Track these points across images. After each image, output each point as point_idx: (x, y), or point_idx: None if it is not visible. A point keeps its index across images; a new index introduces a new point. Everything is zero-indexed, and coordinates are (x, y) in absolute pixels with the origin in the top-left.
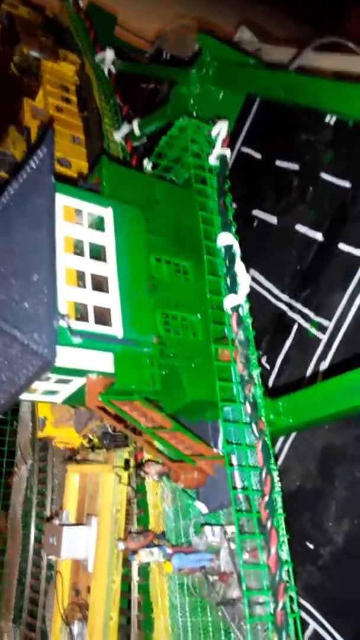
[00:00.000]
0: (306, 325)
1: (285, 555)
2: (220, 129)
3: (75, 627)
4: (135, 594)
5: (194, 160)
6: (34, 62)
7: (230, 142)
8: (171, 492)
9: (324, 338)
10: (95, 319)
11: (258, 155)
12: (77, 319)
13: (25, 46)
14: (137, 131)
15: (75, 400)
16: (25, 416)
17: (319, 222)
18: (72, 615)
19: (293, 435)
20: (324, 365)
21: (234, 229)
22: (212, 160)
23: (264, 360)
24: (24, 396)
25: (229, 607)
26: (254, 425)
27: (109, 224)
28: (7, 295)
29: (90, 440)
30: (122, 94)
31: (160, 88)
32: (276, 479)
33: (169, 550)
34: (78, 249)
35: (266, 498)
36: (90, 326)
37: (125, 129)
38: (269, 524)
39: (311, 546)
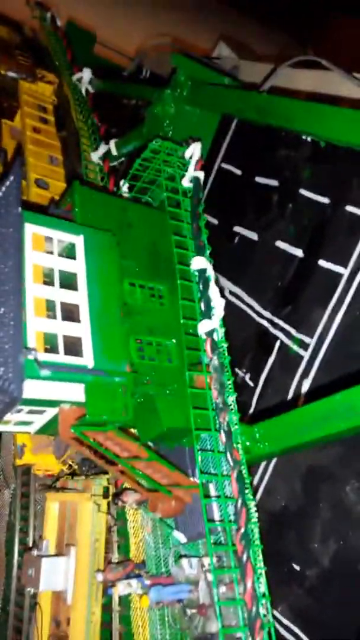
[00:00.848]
0: (288, 342)
1: (262, 587)
2: (194, 151)
3: None
4: (116, 625)
5: (168, 184)
6: (11, 83)
7: (210, 158)
8: (151, 520)
9: (306, 355)
10: (66, 349)
11: (238, 172)
12: (47, 350)
13: (3, 67)
14: (114, 151)
15: (50, 430)
16: (7, 440)
17: (298, 239)
18: None
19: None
20: (307, 382)
21: (207, 252)
22: (186, 183)
23: (247, 377)
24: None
25: None
26: (228, 455)
27: (80, 251)
28: None
29: (70, 467)
30: (104, 109)
31: (142, 104)
32: (253, 509)
33: (148, 582)
34: (48, 278)
35: (242, 530)
36: (60, 357)
37: (102, 149)
38: (244, 557)
39: (297, 567)
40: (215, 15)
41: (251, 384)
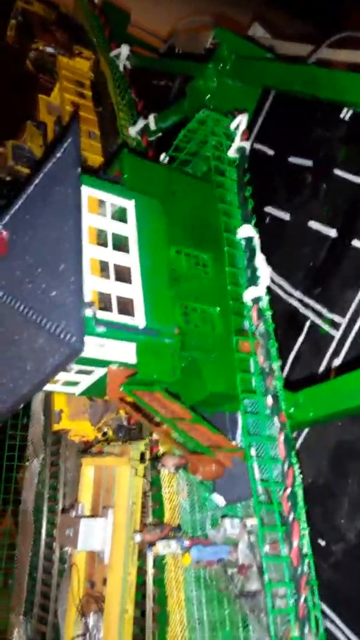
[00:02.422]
0: (319, 321)
1: (306, 548)
2: (240, 122)
3: (91, 619)
4: (150, 587)
5: (214, 153)
6: (49, 59)
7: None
8: (187, 485)
9: (337, 335)
10: (118, 309)
11: (271, 152)
12: (101, 308)
13: (41, 42)
14: (152, 126)
15: (94, 391)
16: (37, 410)
17: (332, 219)
18: (88, 607)
19: (305, 431)
20: (337, 362)
21: (253, 222)
22: (232, 153)
23: None
24: (45, 387)
25: (248, 599)
26: (275, 418)
27: (132, 215)
28: (34, 285)
29: (105, 434)
30: (136, 90)
31: (172, 85)
32: (298, 471)
33: (187, 542)
34: (101, 240)
35: (288, 490)
36: (114, 316)
37: (140, 124)
38: (291, 517)
39: (323, 543)
40: (246, 3)
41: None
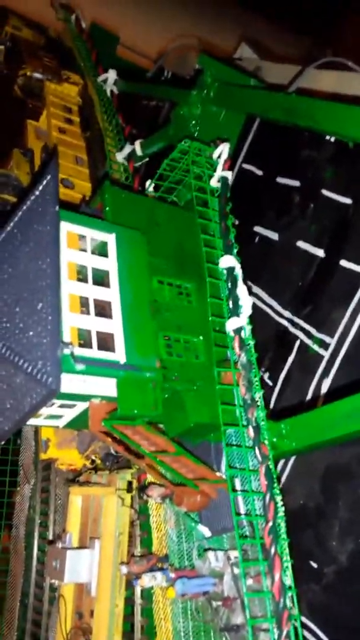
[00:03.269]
0: (308, 341)
1: (289, 580)
2: (222, 151)
3: None
4: (138, 618)
5: (196, 183)
6: (37, 84)
7: (232, 158)
8: (174, 514)
9: (326, 355)
10: (98, 344)
11: (259, 172)
12: (81, 345)
13: (29, 68)
14: (139, 151)
15: (78, 424)
16: (29, 436)
17: (320, 239)
18: (76, 639)
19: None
20: (327, 382)
21: (235, 251)
22: (214, 183)
23: (266, 376)
24: (30, 421)
25: (233, 633)
26: (257, 450)
27: (112, 249)
28: (11, 323)
29: (93, 462)
30: (125, 111)
31: (162, 105)
32: (280, 503)
33: (172, 575)
34: (81, 275)
35: (270, 524)
36: (94, 352)
37: (127, 149)
38: (272, 550)
39: (315, 565)
40: (235, 18)
41: (270, 383)
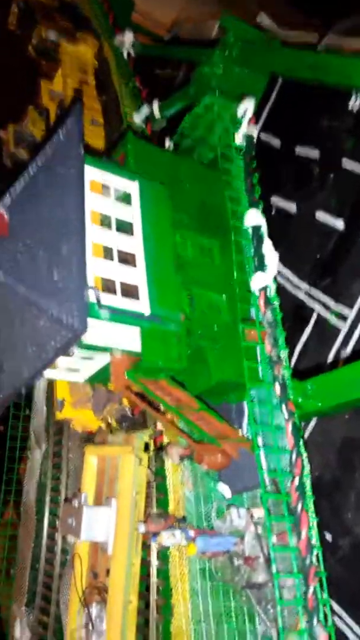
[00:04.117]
0: (326, 314)
1: (314, 540)
2: (247, 108)
3: (94, 610)
4: (154, 579)
5: (221, 139)
6: (51, 45)
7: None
8: (192, 476)
9: (345, 327)
10: (123, 294)
11: (277, 142)
12: (105, 291)
13: (43, 29)
14: (157, 113)
15: (99, 378)
16: (40, 401)
17: (340, 210)
18: (91, 598)
19: (312, 426)
20: (345, 353)
21: (260, 208)
22: (239, 140)
23: None
24: (48, 373)
25: (255, 590)
26: (283, 406)
27: (136, 198)
28: (36, 267)
29: (108, 423)
30: (140, 79)
31: (176, 74)
32: (306, 461)
33: (192, 533)
34: (105, 223)
35: (296, 480)
36: (118, 300)
37: (145, 111)
38: (299, 507)
39: (329, 537)
40: None
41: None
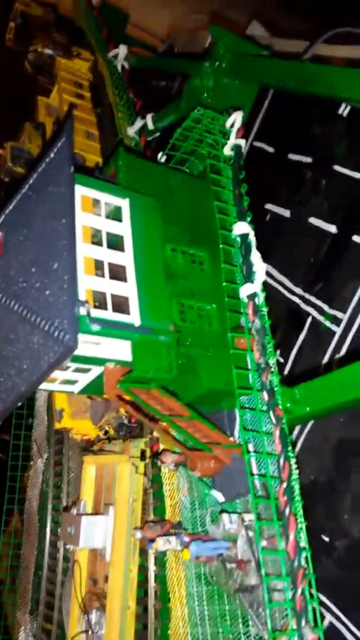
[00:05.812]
0: (320, 318)
1: (303, 542)
2: (235, 119)
3: (93, 616)
4: (152, 584)
5: (209, 150)
6: (47, 60)
7: (244, 135)
8: (187, 482)
9: (339, 330)
10: (113, 307)
11: (270, 149)
12: (96, 307)
13: (39, 44)
14: (150, 125)
15: (93, 390)
16: (41, 410)
17: (332, 215)
18: (90, 604)
19: (307, 428)
20: (338, 358)
21: (249, 219)
22: (227, 151)
23: (277, 353)
24: (44, 385)
25: (247, 594)
26: (271, 413)
27: (126, 214)
28: (28, 284)
29: (106, 432)
30: (135, 90)
31: (171, 85)
32: (294, 466)
33: (186, 539)
34: (96, 239)
35: (284, 484)
36: (109, 314)
37: (139, 123)
38: (287, 511)
39: (326, 539)
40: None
41: (281, 360)
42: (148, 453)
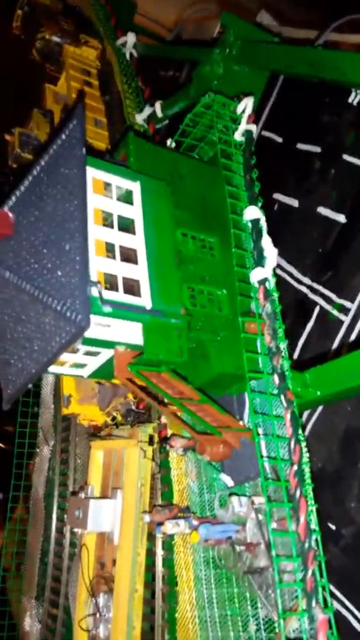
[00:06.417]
0: (328, 307)
1: (313, 524)
2: (246, 105)
3: (101, 599)
4: (159, 568)
5: (220, 136)
6: (55, 48)
7: (254, 122)
8: (195, 467)
9: (347, 320)
10: (124, 290)
11: (279, 139)
12: (107, 289)
13: (47, 32)
14: (159, 113)
15: (102, 374)
16: (47, 398)
17: (341, 204)
18: (98, 588)
19: (315, 417)
20: (347, 346)
21: (260, 204)
22: (238, 136)
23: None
24: (53, 368)
25: (257, 575)
26: (282, 396)
27: (137, 197)
28: (40, 265)
29: (114, 418)
30: (143, 79)
31: (179, 75)
32: (304, 449)
33: (195, 522)
34: (107, 222)
35: (295, 467)
36: (120, 296)
37: (147, 111)
38: (297, 493)
39: (333, 527)
40: None
41: (289, 350)
42: (156, 438)
